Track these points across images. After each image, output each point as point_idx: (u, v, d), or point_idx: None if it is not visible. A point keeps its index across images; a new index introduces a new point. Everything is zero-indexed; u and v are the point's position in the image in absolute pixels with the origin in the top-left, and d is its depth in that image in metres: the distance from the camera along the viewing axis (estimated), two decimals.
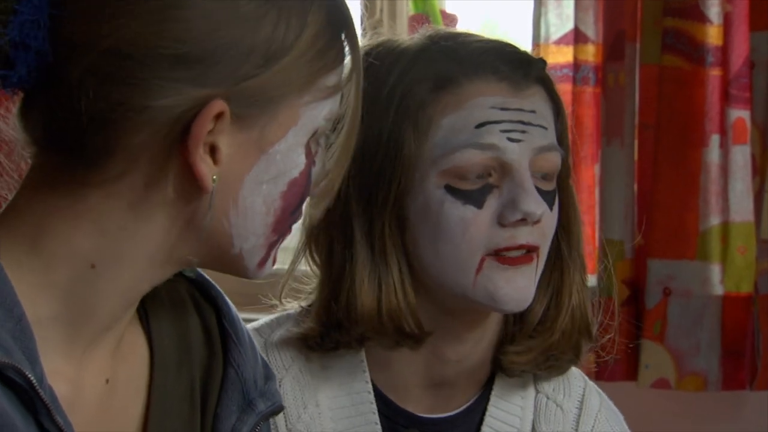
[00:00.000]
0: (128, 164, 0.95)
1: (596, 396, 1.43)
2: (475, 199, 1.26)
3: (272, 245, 1.03)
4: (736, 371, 2.22)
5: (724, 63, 2.19)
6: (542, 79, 1.31)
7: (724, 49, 2.19)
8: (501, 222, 1.26)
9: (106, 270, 0.98)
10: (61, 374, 0.99)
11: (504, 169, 1.26)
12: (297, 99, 0.98)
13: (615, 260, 2.26)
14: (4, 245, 0.97)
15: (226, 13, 0.94)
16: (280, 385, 1.31)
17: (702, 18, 2.18)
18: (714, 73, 2.19)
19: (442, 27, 1.37)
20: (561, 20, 2.32)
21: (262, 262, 1.03)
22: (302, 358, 1.34)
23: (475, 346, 1.34)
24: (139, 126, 0.93)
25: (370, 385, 1.34)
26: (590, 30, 2.28)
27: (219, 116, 0.95)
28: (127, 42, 0.92)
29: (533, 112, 1.28)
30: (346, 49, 1.02)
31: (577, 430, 1.39)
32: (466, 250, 1.26)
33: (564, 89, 2.31)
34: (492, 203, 1.26)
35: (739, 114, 2.20)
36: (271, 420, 1.16)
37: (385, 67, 1.29)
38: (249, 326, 1.32)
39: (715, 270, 2.21)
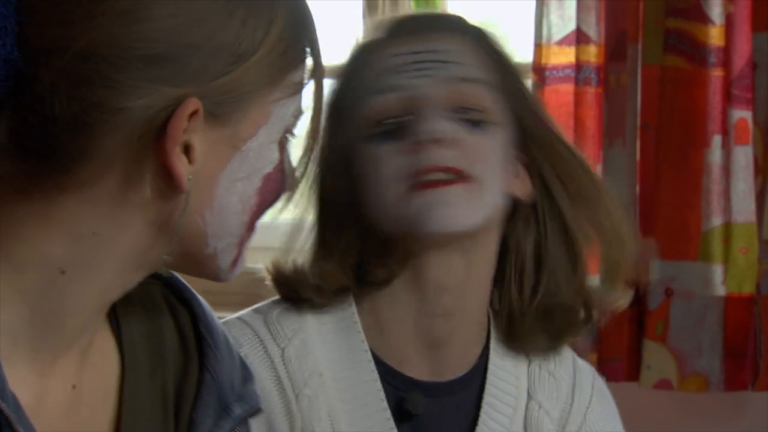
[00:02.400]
0: (103, 167, 0.94)
1: (588, 371, 1.45)
2: (388, 136, 1.32)
3: (243, 244, 1.03)
4: (738, 372, 2.21)
5: (726, 63, 2.19)
6: (473, 34, 1.36)
7: (726, 50, 2.19)
8: (407, 153, 1.30)
9: (76, 276, 0.97)
10: (26, 383, 0.97)
11: (413, 106, 1.32)
12: (267, 96, 0.99)
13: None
14: None
15: (195, 12, 0.94)
16: (282, 354, 1.35)
17: (704, 18, 2.18)
18: (716, 73, 2.19)
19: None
20: (563, 21, 2.31)
21: (234, 262, 1.03)
22: (302, 331, 1.37)
23: (458, 295, 1.36)
24: (115, 128, 0.93)
25: (369, 354, 1.37)
26: (592, 30, 2.28)
27: (193, 115, 0.94)
28: (100, 44, 0.92)
29: (447, 51, 1.33)
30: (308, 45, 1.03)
31: (572, 404, 1.41)
32: (386, 183, 1.31)
33: (566, 90, 2.31)
34: (406, 137, 1.31)
35: (741, 114, 2.19)
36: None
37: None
38: (249, 308, 1.36)
39: (717, 271, 2.21)
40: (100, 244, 0.97)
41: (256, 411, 1.15)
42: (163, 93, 0.93)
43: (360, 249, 1.36)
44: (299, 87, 1.02)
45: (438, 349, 1.38)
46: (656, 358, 2.23)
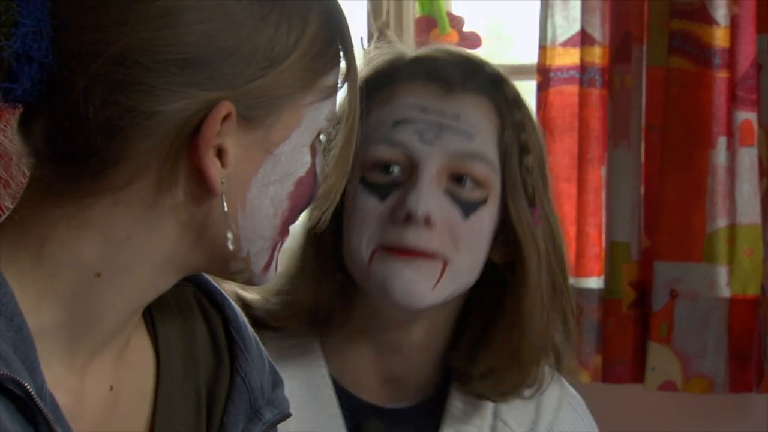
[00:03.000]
0: (136, 171, 0.95)
1: (555, 381, 1.43)
2: (380, 192, 1.29)
3: (275, 248, 1.03)
4: (743, 374, 2.21)
5: (731, 65, 2.19)
6: (488, 92, 1.31)
7: (731, 51, 2.19)
8: (391, 218, 1.28)
9: (111, 279, 0.98)
10: (64, 383, 0.98)
11: (412, 167, 1.28)
12: (300, 99, 0.98)
13: (621, 262, 2.26)
14: (7, 254, 0.96)
15: (229, 16, 0.94)
16: None
17: (709, 20, 2.18)
18: (721, 75, 2.19)
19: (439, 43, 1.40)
20: (567, 22, 2.31)
21: (267, 267, 1.03)
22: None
23: (417, 349, 1.35)
24: (148, 132, 0.93)
25: (328, 378, 1.36)
26: (597, 32, 2.28)
27: (226, 118, 0.94)
28: (134, 48, 0.92)
29: (456, 117, 1.29)
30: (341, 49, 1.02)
31: (538, 415, 1.40)
32: (360, 240, 1.29)
33: (570, 91, 2.31)
34: (394, 199, 1.28)
35: (746, 116, 2.19)
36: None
37: None
38: None
39: (722, 272, 2.21)
40: (134, 247, 0.97)
41: (285, 416, 1.15)
42: (197, 97, 0.93)
43: (329, 287, 1.35)
44: (332, 90, 1.01)
45: (396, 380, 1.37)
46: (661, 359, 2.23)
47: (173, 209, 0.97)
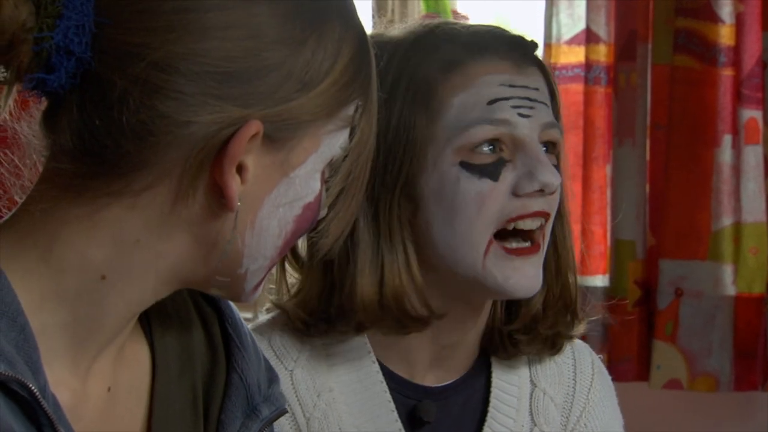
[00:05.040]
0: (158, 178, 0.95)
1: (586, 350, 1.46)
2: (491, 172, 1.28)
3: (270, 268, 1.03)
4: (748, 372, 2.21)
5: (736, 63, 2.19)
6: (537, 61, 1.35)
7: (737, 49, 2.19)
8: (516, 193, 1.28)
9: (116, 282, 0.98)
10: (65, 384, 0.98)
11: (516, 143, 1.29)
12: (322, 126, 0.99)
13: (626, 261, 2.26)
14: (15, 251, 0.96)
15: (272, 35, 0.95)
16: (291, 377, 1.33)
17: (714, 18, 2.18)
18: (726, 73, 2.19)
19: (430, 19, 1.40)
20: (572, 20, 2.31)
21: (257, 286, 1.03)
22: (307, 348, 1.36)
23: (473, 329, 1.36)
24: (178, 141, 0.93)
25: (377, 365, 1.36)
26: (602, 30, 2.28)
27: (254, 136, 0.95)
28: (177, 56, 0.92)
29: (537, 89, 1.31)
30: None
31: (575, 386, 1.42)
32: (481, 224, 1.28)
33: (575, 89, 2.31)
34: (507, 176, 1.28)
35: (752, 114, 2.19)
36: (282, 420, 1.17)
37: (383, 59, 1.30)
38: (248, 326, 1.34)
39: (727, 270, 2.21)
40: (142, 252, 0.97)
41: (282, 412, 1.15)
42: (230, 112, 0.94)
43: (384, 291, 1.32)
44: (350, 121, 1.01)
45: (444, 361, 1.38)
46: (666, 358, 2.23)
47: (187, 220, 0.97)
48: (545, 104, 1.31)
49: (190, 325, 1.12)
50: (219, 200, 0.96)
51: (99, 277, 0.97)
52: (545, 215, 1.30)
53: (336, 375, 1.36)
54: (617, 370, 2.25)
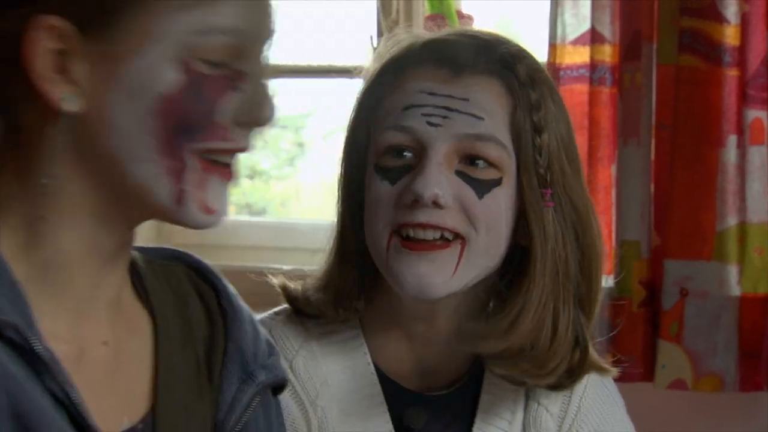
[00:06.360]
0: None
1: None
2: (391, 177, 1.30)
3: (176, 174, 1.00)
4: (754, 372, 2.21)
5: (741, 63, 2.18)
6: (499, 73, 1.31)
7: (742, 49, 2.18)
8: (400, 201, 1.29)
9: (56, 221, 0.99)
10: (58, 336, 1.00)
11: (421, 151, 1.29)
12: (145, 8, 0.96)
13: (631, 261, 2.26)
14: None
15: None
16: (291, 366, 1.36)
17: (719, 18, 2.17)
18: (731, 73, 2.18)
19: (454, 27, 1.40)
20: (577, 20, 2.31)
21: (179, 199, 1.01)
22: (306, 341, 1.38)
23: (448, 333, 1.36)
24: None
25: (372, 367, 1.38)
26: (607, 30, 2.28)
27: (55, 32, 0.93)
28: None
29: (465, 100, 1.29)
30: None
31: (570, 395, 1.41)
32: (376, 225, 1.30)
33: (580, 89, 2.30)
34: (404, 182, 1.29)
35: (757, 114, 2.19)
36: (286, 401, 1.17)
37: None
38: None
39: (732, 271, 2.21)
40: (50, 185, 0.99)
41: (281, 381, 1.18)
42: (7, 16, 0.92)
43: (353, 277, 1.37)
44: (196, 1, 0.97)
45: (432, 370, 1.39)
46: (671, 358, 2.23)
47: (48, 144, 0.97)
48: (473, 116, 1.29)
49: (188, 300, 1.15)
50: (52, 109, 0.95)
51: (40, 218, 0.99)
52: (439, 228, 1.28)
53: (332, 372, 1.37)
54: (622, 370, 2.24)
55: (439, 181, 1.27)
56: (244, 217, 3.00)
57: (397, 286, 1.30)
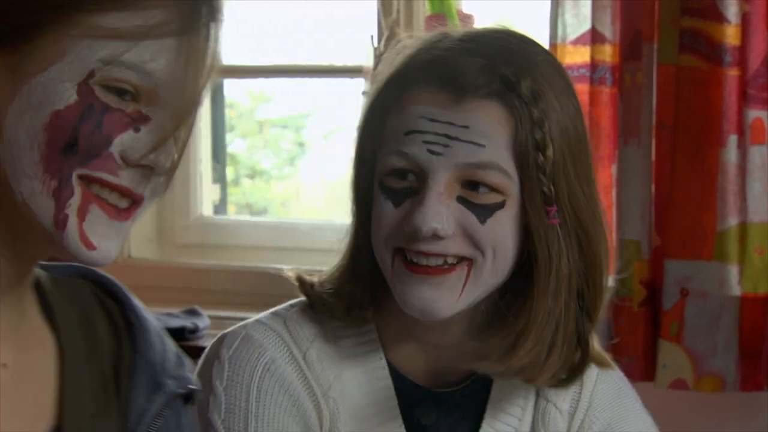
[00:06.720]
0: None
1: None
2: (395, 198, 1.30)
3: (58, 196, 1.01)
4: (754, 372, 2.21)
5: (742, 63, 2.18)
6: (501, 95, 1.29)
7: (742, 49, 2.18)
8: (401, 225, 1.29)
9: None
10: None
11: (423, 176, 1.29)
12: (60, 30, 0.97)
13: (632, 261, 2.26)
14: None
15: None
16: (304, 357, 1.36)
17: (720, 18, 2.17)
18: (732, 73, 2.18)
19: (453, 28, 1.38)
20: (578, 20, 2.31)
21: (60, 223, 1.01)
22: (321, 334, 1.39)
23: (459, 341, 1.36)
24: None
25: (384, 362, 1.38)
26: (607, 30, 2.28)
27: None
28: None
29: (465, 127, 1.28)
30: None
31: (580, 393, 1.41)
32: (380, 242, 1.31)
33: (581, 89, 2.30)
34: (406, 207, 1.29)
35: (757, 114, 2.19)
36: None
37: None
38: (267, 311, 1.37)
39: (733, 271, 2.21)
40: None
41: (191, 391, 1.19)
42: None
43: (364, 284, 1.38)
44: (112, 33, 0.98)
45: (444, 369, 1.40)
46: (672, 357, 2.23)
47: None
48: (474, 143, 1.27)
49: (92, 315, 1.15)
50: None
51: None
52: (441, 256, 1.28)
53: (346, 367, 1.38)
54: (623, 370, 2.24)
55: (439, 212, 1.27)
56: (245, 217, 3.00)
57: (402, 306, 1.30)
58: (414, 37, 1.37)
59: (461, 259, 1.29)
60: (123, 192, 1.03)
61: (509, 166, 1.29)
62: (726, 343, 2.21)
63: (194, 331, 2.45)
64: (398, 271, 1.30)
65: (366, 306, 1.38)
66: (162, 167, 1.02)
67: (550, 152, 1.29)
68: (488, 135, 1.28)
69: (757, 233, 2.20)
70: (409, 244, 1.29)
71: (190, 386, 1.19)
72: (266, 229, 2.85)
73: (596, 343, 1.40)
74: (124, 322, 1.18)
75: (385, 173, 1.31)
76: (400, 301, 1.30)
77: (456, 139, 1.28)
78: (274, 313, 1.40)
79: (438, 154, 1.28)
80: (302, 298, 1.42)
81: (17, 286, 1.06)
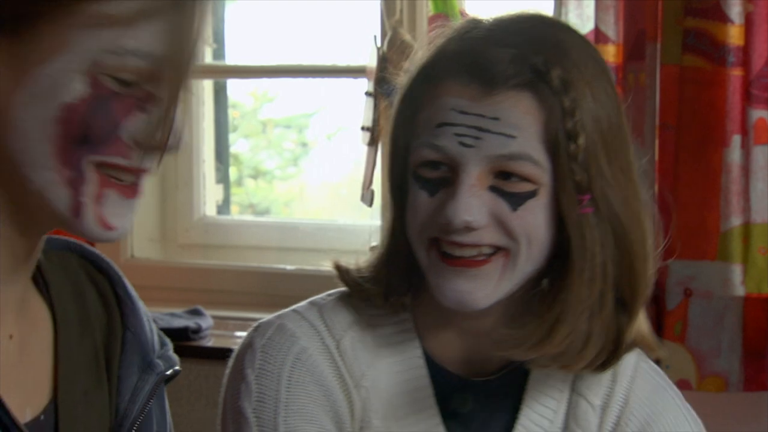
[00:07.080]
0: None
1: (632, 353, 1.43)
2: (430, 188, 1.31)
3: (73, 185, 1.02)
4: (758, 372, 2.21)
5: (745, 63, 2.18)
6: (531, 85, 1.28)
7: (746, 49, 2.18)
8: (435, 215, 1.30)
9: None
10: None
11: (455, 168, 1.29)
12: (64, 20, 0.98)
13: None
14: None
15: None
16: (338, 346, 1.37)
17: (723, 18, 2.17)
18: (735, 73, 2.18)
19: (484, 16, 1.38)
20: (581, 20, 2.31)
21: (76, 211, 1.02)
22: (356, 323, 1.40)
23: (497, 328, 1.36)
24: None
25: (420, 350, 1.39)
26: (611, 30, 2.28)
27: None
28: None
29: (496, 119, 1.28)
30: None
31: (613, 388, 1.41)
32: (415, 231, 1.32)
33: None
34: (441, 197, 1.30)
35: (761, 114, 2.19)
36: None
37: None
38: (304, 301, 1.41)
39: (736, 271, 2.21)
40: None
41: (176, 373, 1.20)
42: None
43: (401, 271, 1.38)
44: (113, 21, 0.99)
45: (481, 358, 1.40)
46: (675, 358, 2.23)
47: None
48: (505, 135, 1.28)
49: (84, 289, 1.16)
50: None
51: None
52: (476, 246, 1.29)
53: (381, 356, 1.39)
54: None
55: (471, 204, 1.27)
56: (248, 217, 3.00)
57: (439, 297, 1.31)
58: (446, 26, 1.37)
59: (497, 249, 1.29)
60: (133, 171, 1.05)
61: (540, 156, 1.29)
62: (729, 343, 2.21)
63: (197, 331, 2.45)
64: (434, 263, 1.30)
65: (404, 293, 1.38)
66: (169, 144, 1.03)
67: (581, 141, 1.28)
68: (519, 126, 1.28)
69: (761, 233, 2.20)
70: (443, 234, 1.29)
71: (176, 368, 1.20)
72: (269, 229, 2.85)
73: (645, 327, 1.40)
74: (115, 297, 1.18)
75: (418, 164, 1.32)
76: (437, 293, 1.30)
77: (487, 131, 1.28)
78: (311, 302, 1.41)
79: (469, 146, 1.28)
80: (340, 288, 1.42)
81: (27, 259, 1.07)
